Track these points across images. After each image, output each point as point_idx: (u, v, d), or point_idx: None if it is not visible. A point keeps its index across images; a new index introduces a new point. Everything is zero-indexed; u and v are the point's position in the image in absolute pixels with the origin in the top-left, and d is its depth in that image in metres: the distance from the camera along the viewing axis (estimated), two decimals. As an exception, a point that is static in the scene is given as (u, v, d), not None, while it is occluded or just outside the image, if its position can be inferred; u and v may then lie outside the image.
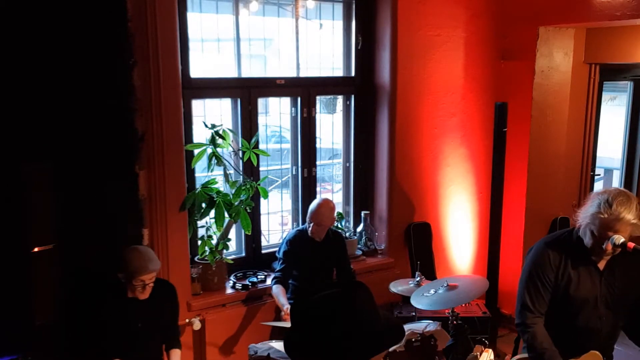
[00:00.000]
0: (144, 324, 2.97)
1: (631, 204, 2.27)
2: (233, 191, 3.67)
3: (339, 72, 4.34)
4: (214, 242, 3.69)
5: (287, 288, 3.66)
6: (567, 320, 2.49)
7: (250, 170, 3.86)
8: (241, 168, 3.84)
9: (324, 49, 4.26)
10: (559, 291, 2.45)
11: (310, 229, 3.64)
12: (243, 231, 3.84)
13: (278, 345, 3.21)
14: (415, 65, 4.23)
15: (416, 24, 4.18)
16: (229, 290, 3.77)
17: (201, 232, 3.71)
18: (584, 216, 2.36)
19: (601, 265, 2.45)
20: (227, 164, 3.65)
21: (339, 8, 4.24)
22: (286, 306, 3.37)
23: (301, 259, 3.66)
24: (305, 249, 3.67)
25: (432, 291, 3.29)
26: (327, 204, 3.66)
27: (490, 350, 2.64)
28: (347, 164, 4.45)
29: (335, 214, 3.80)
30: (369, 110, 4.35)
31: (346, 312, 1.39)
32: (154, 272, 2.90)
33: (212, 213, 3.57)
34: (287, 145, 4.27)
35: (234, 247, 4.02)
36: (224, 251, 3.75)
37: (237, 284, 3.78)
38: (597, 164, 5.76)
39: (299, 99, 4.10)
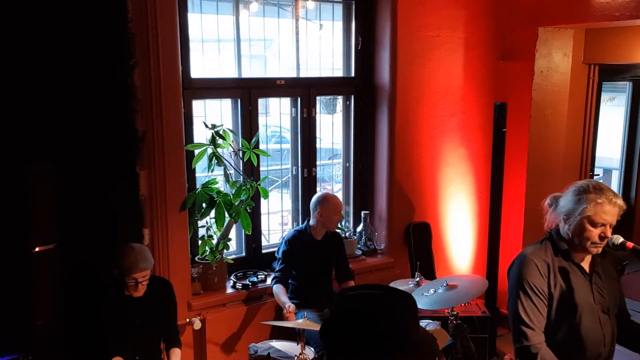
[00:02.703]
0: (142, 321, 2.98)
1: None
2: (233, 191, 3.68)
3: (339, 73, 4.35)
4: (214, 241, 3.70)
5: (287, 287, 3.67)
6: (569, 333, 2.28)
7: (251, 170, 3.87)
8: (241, 168, 3.84)
9: (324, 49, 4.27)
10: (553, 301, 2.26)
11: (331, 223, 3.67)
12: (243, 231, 3.85)
13: (278, 344, 3.22)
14: (415, 65, 4.24)
15: (416, 24, 4.18)
16: (229, 290, 3.78)
17: (201, 232, 3.72)
18: (573, 210, 2.22)
19: (586, 267, 2.32)
20: (227, 164, 3.66)
21: (338, 8, 4.25)
22: (288, 304, 3.38)
23: (300, 259, 3.67)
24: (305, 248, 3.68)
25: (431, 291, 3.30)
26: (331, 194, 3.76)
27: None
28: (347, 164, 4.46)
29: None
30: (369, 111, 4.35)
31: (389, 316, 1.41)
32: (145, 270, 2.90)
33: (213, 213, 3.58)
34: (287, 146, 4.28)
35: (234, 247, 4.03)
36: (224, 251, 3.76)
37: (237, 284, 3.79)
38: (596, 164, 5.77)
39: (299, 99, 4.11)
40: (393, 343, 1.37)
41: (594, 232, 2.21)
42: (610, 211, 2.19)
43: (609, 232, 2.22)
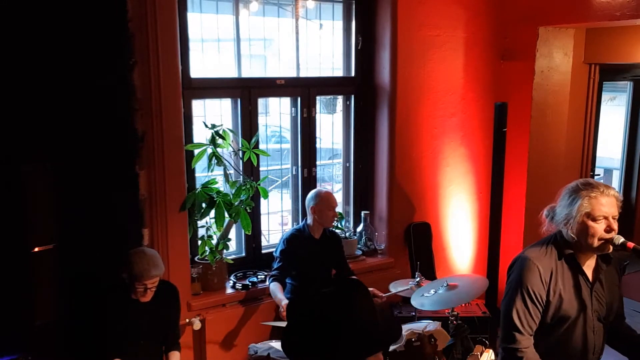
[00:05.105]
0: (146, 326, 2.97)
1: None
2: (233, 191, 3.67)
3: (339, 72, 4.34)
4: (214, 242, 3.69)
5: (284, 286, 3.66)
6: (561, 338, 2.29)
7: (250, 170, 3.86)
8: (241, 168, 3.84)
9: (324, 49, 4.26)
10: (550, 308, 2.25)
11: (325, 219, 3.65)
12: (243, 231, 3.84)
13: (278, 345, 3.21)
14: (415, 65, 4.23)
15: (416, 24, 4.18)
16: (229, 290, 3.77)
17: (201, 232, 3.71)
18: (570, 212, 2.20)
19: (589, 274, 2.31)
20: (227, 164, 3.65)
21: (339, 8, 4.25)
22: (284, 302, 3.38)
23: (299, 258, 3.66)
24: (303, 248, 3.67)
25: (432, 291, 3.29)
26: (324, 191, 3.74)
27: (491, 350, 2.58)
28: (347, 164, 4.45)
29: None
30: (369, 110, 4.35)
31: (343, 311, 1.39)
32: (156, 277, 2.89)
33: (212, 213, 3.57)
34: (287, 145, 4.28)
35: (234, 247, 4.02)
36: (224, 251, 3.75)
37: (237, 284, 3.79)
38: (597, 164, 5.76)
39: (299, 99, 4.10)
40: (359, 332, 1.36)
41: (598, 228, 2.18)
42: (607, 202, 2.17)
43: (614, 224, 2.19)
